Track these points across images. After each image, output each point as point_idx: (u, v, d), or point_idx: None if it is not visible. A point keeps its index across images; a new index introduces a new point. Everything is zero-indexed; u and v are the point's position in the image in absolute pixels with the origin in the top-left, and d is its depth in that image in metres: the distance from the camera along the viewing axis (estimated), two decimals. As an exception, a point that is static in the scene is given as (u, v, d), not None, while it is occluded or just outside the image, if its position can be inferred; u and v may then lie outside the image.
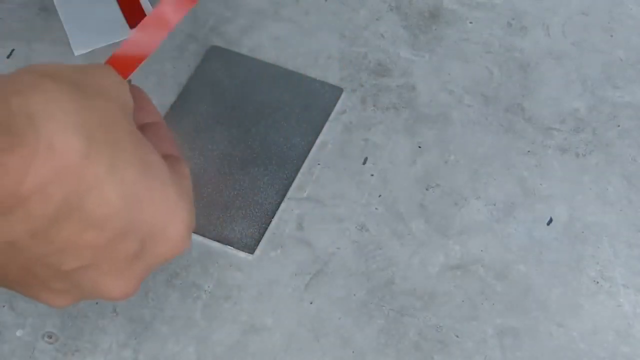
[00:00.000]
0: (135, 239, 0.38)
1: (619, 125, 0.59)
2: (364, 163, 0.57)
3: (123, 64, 0.44)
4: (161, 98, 0.60)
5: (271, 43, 0.63)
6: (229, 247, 0.54)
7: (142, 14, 0.64)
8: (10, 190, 0.34)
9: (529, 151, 0.58)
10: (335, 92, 0.60)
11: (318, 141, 0.58)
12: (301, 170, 0.57)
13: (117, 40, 0.63)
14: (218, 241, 0.54)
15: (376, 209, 0.55)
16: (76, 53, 0.62)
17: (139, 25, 0.45)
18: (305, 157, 0.57)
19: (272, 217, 0.55)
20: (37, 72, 0.36)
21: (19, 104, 0.34)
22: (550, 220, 0.55)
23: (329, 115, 0.59)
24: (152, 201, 0.38)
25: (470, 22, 0.63)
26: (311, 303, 0.52)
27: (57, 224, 0.36)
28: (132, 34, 0.45)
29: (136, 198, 0.37)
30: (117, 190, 0.36)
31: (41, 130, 0.34)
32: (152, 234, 0.39)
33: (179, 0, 0.46)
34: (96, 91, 0.37)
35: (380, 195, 0.56)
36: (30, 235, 0.36)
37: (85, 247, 0.37)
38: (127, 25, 0.64)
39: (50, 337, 0.51)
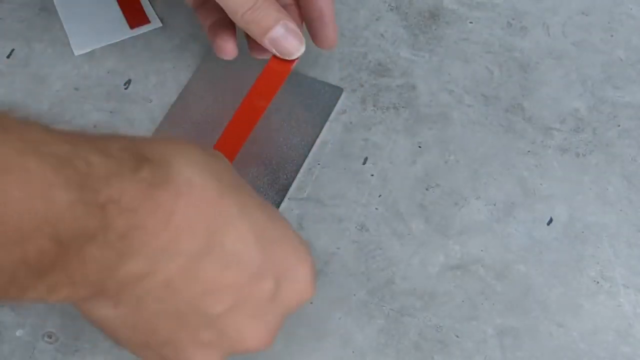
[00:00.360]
0: (270, 279, 0.41)
1: (619, 125, 0.59)
2: (364, 163, 0.57)
3: (226, 151, 0.49)
4: (161, 98, 0.60)
5: (271, 43, 0.63)
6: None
7: (142, 14, 0.64)
8: (162, 224, 0.36)
9: (529, 151, 0.58)
10: (335, 92, 0.60)
11: (318, 141, 0.58)
12: (301, 170, 0.57)
13: (117, 40, 0.63)
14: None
15: (376, 209, 0.55)
16: (76, 53, 0.62)
17: (235, 115, 0.52)
18: (305, 157, 0.57)
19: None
20: (162, 135, 0.41)
21: (159, 149, 0.38)
22: (550, 220, 0.55)
23: (329, 115, 0.59)
24: (280, 243, 0.41)
25: (470, 22, 0.63)
26: (311, 303, 0.52)
27: (203, 260, 0.38)
28: (229, 125, 0.52)
29: (266, 238, 0.40)
30: (249, 228, 0.39)
31: (181, 170, 0.37)
32: (284, 275, 0.41)
33: (264, 90, 0.53)
34: (214, 154, 0.42)
35: (380, 195, 0.56)
36: (182, 273, 0.38)
37: (228, 286, 0.39)
38: (127, 26, 0.64)
39: (50, 337, 0.51)
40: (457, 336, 0.51)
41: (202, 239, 0.38)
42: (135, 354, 0.43)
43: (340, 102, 0.60)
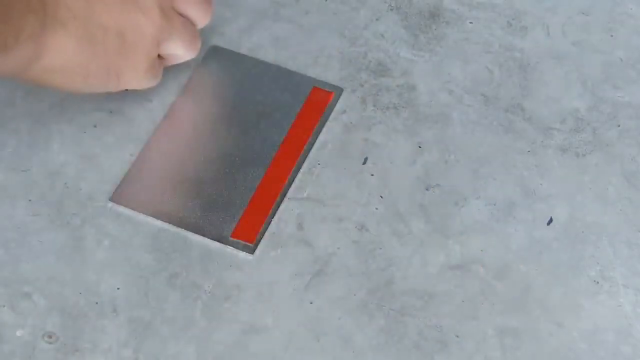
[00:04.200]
0: None
1: (619, 125, 0.59)
2: (364, 163, 0.57)
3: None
4: (161, 98, 0.60)
5: (271, 43, 0.63)
6: (229, 247, 0.54)
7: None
8: None
9: (529, 151, 0.58)
10: (335, 91, 0.60)
11: (318, 141, 0.58)
12: (301, 170, 0.57)
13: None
14: (218, 241, 0.54)
15: (376, 209, 0.55)
16: (76, 53, 0.62)
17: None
18: (306, 157, 0.57)
19: (272, 217, 0.55)
20: None
21: None
22: (550, 220, 0.55)
23: (329, 115, 0.59)
24: None
25: (470, 22, 0.63)
26: (311, 303, 0.52)
27: None
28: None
29: None
30: None
31: None
32: None
33: None
34: None
35: (380, 196, 0.56)
36: None
37: None
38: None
39: (50, 337, 0.51)
40: (457, 336, 0.51)
41: None
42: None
43: (340, 102, 0.60)
